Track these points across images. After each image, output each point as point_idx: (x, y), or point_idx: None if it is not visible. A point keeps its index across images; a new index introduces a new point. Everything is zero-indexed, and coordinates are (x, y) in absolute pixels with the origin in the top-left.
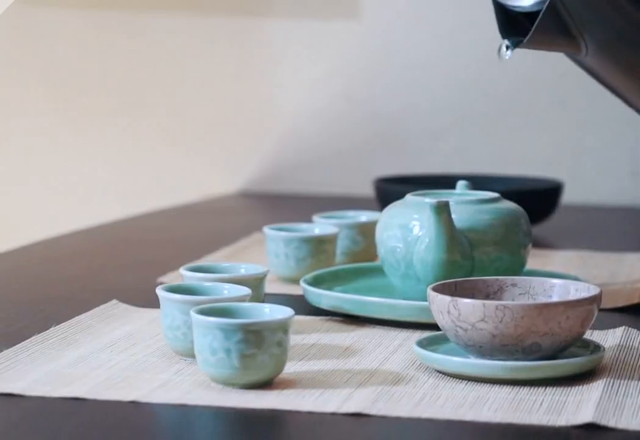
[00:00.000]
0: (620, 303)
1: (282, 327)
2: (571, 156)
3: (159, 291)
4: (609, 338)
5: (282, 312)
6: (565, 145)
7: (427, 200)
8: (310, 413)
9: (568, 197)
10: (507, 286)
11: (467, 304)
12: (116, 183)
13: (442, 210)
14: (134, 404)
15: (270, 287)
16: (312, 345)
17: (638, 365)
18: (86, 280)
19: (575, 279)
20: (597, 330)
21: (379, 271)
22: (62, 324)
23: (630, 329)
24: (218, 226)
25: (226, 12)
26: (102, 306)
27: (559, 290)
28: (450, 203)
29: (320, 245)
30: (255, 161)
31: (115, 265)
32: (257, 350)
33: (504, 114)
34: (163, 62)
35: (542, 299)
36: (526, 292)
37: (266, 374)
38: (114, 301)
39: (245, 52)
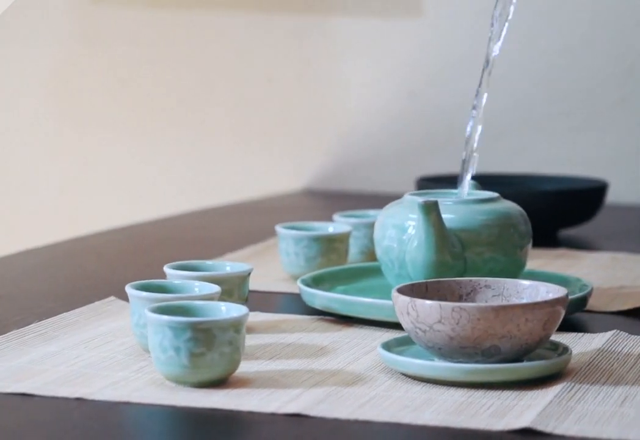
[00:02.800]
0: (627, 306)
1: (234, 326)
2: (634, 156)
3: (128, 289)
4: (595, 341)
5: (237, 310)
6: (626, 145)
7: (418, 199)
8: (250, 413)
9: (629, 198)
10: (481, 287)
11: (425, 305)
12: (181, 180)
13: (430, 209)
14: (79, 401)
15: (279, 286)
16: (288, 344)
17: (608, 370)
18: (102, 278)
19: (577, 280)
20: (588, 334)
21: (380, 271)
22: (48, 319)
23: (620, 332)
24: (265, 224)
25: (289, 11)
26: (97, 302)
27: (531, 292)
28: (447, 203)
29: (330, 244)
30: (320, 159)
31: (138, 263)
32: (207, 349)
33: (565, 114)
34: (226, 60)
35: (515, 301)
36: (500, 293)
37: (217, 373)
38: (111, 298)
39: (308, 50)
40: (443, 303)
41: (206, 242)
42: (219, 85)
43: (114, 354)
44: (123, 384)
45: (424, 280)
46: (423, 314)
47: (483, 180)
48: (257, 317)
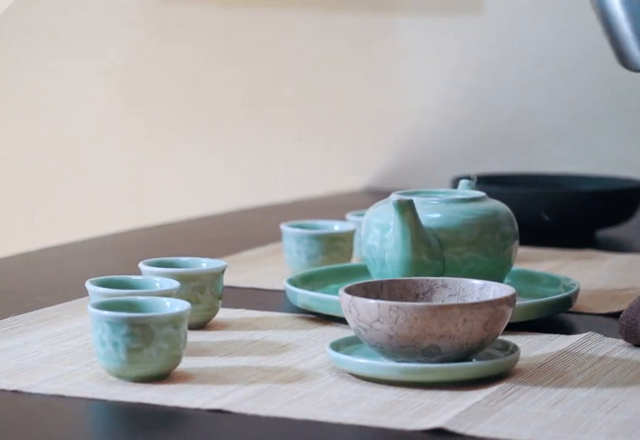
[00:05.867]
0: (617, 308)
1: (173, 321)
2: None
3: (88, 284)
4: (565, 342)
5: (181, 306)
6: None
7: (395, 198)
8: (177, 408)
9: None
10: (438, 287)
11: (364, 304)
12: (243, 177)
13: (405, 208)
14: (15, 393)
15: (278, 284)
16: (253, 341)
17: (560, 372)
18: (110, 275)
19: (566, 280)
20: (563, 335)
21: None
22: (26, 313)
23: (594, 334)
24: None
25: (352, 10)
26: (85, 298)
27: (485, 292)
28: (432, 202)
29: (332, 243)
30: (381, 157)
31: None
32: (144, 345)
33: (624, 114)
34: (291, 59)
35: (469, 300)
36: (456, 293)
37: (155, 368)
38: None
39: (370, 49)
40: (381, 302)
41: (235, 239)
42: (283, 83)
43: (75, 348)
44: (66, 377)
45: (379, 279)
46: (363, 313)
47: (520, 180)
48: (239, 314)
